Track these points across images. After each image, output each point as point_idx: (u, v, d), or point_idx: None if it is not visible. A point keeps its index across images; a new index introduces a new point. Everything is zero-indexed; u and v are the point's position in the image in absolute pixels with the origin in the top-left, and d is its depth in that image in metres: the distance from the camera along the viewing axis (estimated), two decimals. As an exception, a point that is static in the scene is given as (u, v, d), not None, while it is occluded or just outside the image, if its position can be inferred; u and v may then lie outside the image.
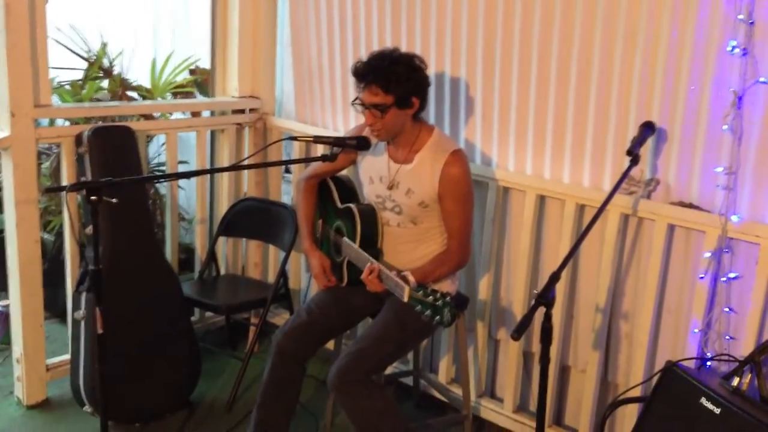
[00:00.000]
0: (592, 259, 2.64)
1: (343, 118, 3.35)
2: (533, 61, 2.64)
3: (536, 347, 2.80)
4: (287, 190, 3.67)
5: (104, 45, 3.86)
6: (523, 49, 2.66)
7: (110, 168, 2.90)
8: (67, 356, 3.04)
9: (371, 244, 2.53)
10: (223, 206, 3.56)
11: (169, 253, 3.39)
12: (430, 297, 2.07)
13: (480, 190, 2.84)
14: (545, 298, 1.91)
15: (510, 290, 2.87)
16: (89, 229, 2.77)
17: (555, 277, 1.94)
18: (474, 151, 2.89)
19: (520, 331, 1.85)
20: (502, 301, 2.91)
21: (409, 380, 3.11)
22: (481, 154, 2.88)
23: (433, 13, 2.88)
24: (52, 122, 3.54)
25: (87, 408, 2.87)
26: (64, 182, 2.99)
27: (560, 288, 2.62)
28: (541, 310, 1.93)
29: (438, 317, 2.06)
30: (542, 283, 2.71)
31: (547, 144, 2.69)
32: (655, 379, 2.16)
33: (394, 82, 2.34)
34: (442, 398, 3.04)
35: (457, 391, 2.95)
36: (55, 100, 3.46)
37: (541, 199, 2.73)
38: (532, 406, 2.92)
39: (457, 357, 3.04)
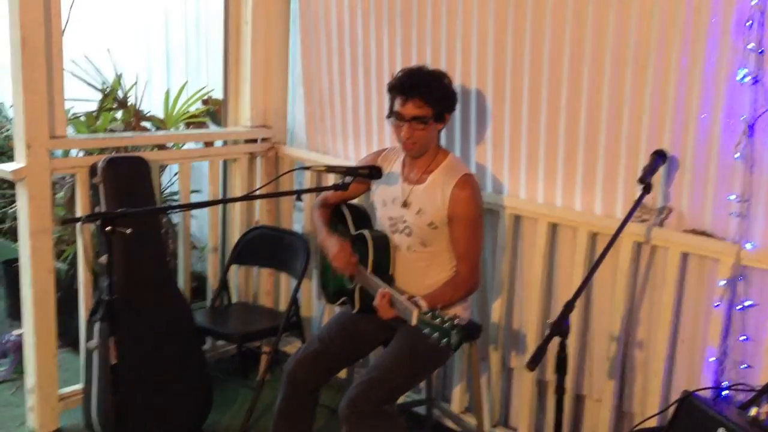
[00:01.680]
0: (606, 287, 2.63)
1: (354, 146, 3.37)
2: (543, 90, 2.67)
3: (550, 376, 2.78)
4: (298, 219, 3.69)
5: (119, 76, 3.91)
6: (533, 78, 2.68)
7: (124, 197, 2.92)
8: (80, 385, 3.04)
9: (383, 270, 2.53)
10: (235, 235, 3.58)
11: (182, 281, 3.40)
12: (438, 319, 2.07)
13: (492, 217, 2.85)
14: (560, 327, 1.90)
15: (523, 318, 2.86)
16: (103, 259, 2.80)
17: (569, 307, 1.93)
18: (485, 178, 2.90)
19: (535, 361, 1.84)
20: (515, 329, 2.90)
21: (421, 409, 3.08)
22: (493, 181, 2.89)
23: (442, 41, 2.91)
24: (66, 152, 3.58)
25: (99, 438, 2.87)
26: (79, 212, 3.01)
27: (574, 316, 2.59)
28: (556, 339, 1.92)
29: (445, 339, 2.04)
30: (555, 311, 2.73)
31: (558, 172, 2.69)
32: (671, 409, 2.14)
33: (436, 95, 2.41)
34: (456, 427, 3.02)
35: (470, 420, 2.92)
36: (69, 131, 3.49)
37: (553, 227, 2.73)
38: (547, 435, 2.90)
39: (470, 385, 3.02)
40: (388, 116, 2.49)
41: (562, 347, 1.94)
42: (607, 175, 2.58)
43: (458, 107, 2.90)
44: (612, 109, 2.52)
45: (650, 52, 2.40)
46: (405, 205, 2.52)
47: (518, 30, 2.68)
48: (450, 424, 3.04)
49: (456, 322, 2.05)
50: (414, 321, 2.12)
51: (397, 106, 2.44)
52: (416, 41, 3.00)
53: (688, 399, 2.08)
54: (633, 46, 2.43)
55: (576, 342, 2.67)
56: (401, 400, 2.89)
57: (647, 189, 2.32)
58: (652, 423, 2.39)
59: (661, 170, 2.42)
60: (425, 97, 2.40)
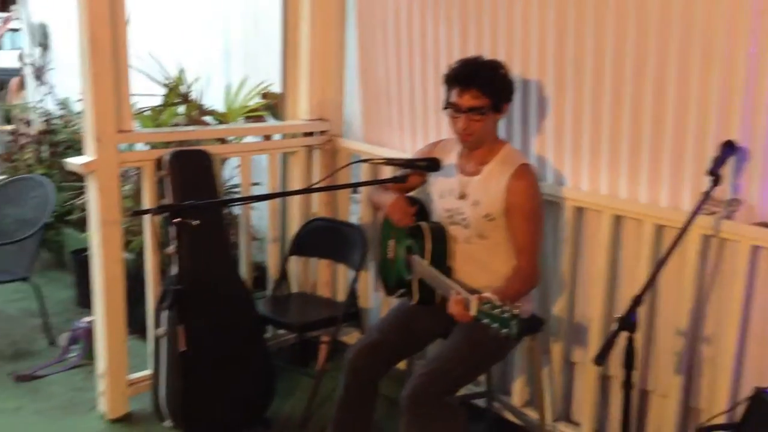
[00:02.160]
0: (673, 280, 2.57)
1: (411, 138, 3.37)
2: (607, 77, 2.61)
3: (614, 371, 2.74)
4: (355, 210, 3.72)
5: (182, 72, 3.99)
6: (596, 66, 2.63)
7: (189, 190, 2.99)
8: (147, 371, 3.13)
9: (441, 261, 2.53)
10: (294, 226, 3.63)
11: (244, 271, 3.47)
12: (497, 310, 2.06)
13: (553, 209, 2.81)
14: (628, 322, 1.87)
15: (586, 312, 2.82)
16: (170, 249, 2.88)
17: (637, 301, 1.90)
18: (546, 169, 2.87)
19: (602, 356, 1.82)
20: (577, 322, 2.86)
21: (481, 402, 3.08)
22: (554, 172, 2.86)
23: (501, 32, 2.88)
24: (131, 146, 3.68)
25: (167, 423, 2.95)
26: (145, 204, 3.10)
27: (640, 311, 2.55)
28: (623, 334, 1.90)
29: (506, 330, 2.03)
30: (619, 305, 2.69)
31: (622, 162, 2.64)
32: (741, 406, 2.09)
33: (495, 85, 2.39)
34: (516, 421, 3.00)
35: (531, 414, 2.91)
36: (135, 125, 3.59)
37: (617, 220, 2.68)
38: (610, 430, 2.86)
39: (531, 379, 3.01)
40: (445, 107, 2.48)
41: (630, 342, 1.91)
42: (674, 166, 2.52)
43: (518, 97, 2.88)
44: (679, 98, 2.46)
45: (717, 39, 2.32)
46: (461, 197, 2.51)
47: (580, 17, 2.64)
48: (510, 417, 3.03)
49: (516, 312, 2.04)
50: (473, 311, 2.11)
51: (453, 97, 2.42)
52: (474, 31, 2.98)
53: (759, 396, 2.04)
54: (699, 34, 2.36)
55: (642, 336, 2.62)
56: (461, 392, 2.88)
57: (716, 181, 2.26)
58: (720, 420, 2.34)
59: (731, 161, 2.35)
60: (482, 87, 2.37)
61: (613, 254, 2.71)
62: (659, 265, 2.07)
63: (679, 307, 2.53)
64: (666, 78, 2.47)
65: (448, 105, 2.44)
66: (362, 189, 3.53)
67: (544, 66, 2.78)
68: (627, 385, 1.94)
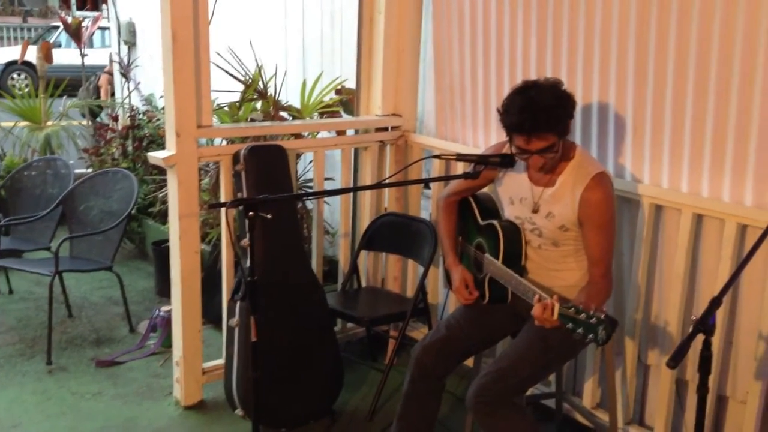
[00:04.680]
0: (755, 282, 2.46)
1: (484, 135, 3.34)
2: (690, 72, 2.52)
3: (690, 375, 2.65)
4: (426, 206, 3.71)
5: (260, 68, 4.08)
6: (679, 60, 2.54)
7: (264, 184, 3.06)
8: (221, 361, 3.22)
9: (515, 262, 2.49)
10: (365, 221, 3.66)
11: (315, 265, 3.52)
12: (583, 314, 2.01)
13: (630, 207, 2.74)
14: (705, 324, 1.80)
15: (662, 313, 2.73)
16: (245, 242, 2.95)
17: (716, 303, 1.82)
18: (624, 166, 2.79)
19: (676, 359, 1.75)
20: (653, 324, 2.77)
21: (550, 402, 3.03)
22: (632, 169, 2.78)
23: (580, 27, 2.82)
24: (210, 141, 3.79)
25: (239, 411, 3.02)
26: (222, 197, 3.19)
27: (719, 313, 2.46)
28: (700, 337, 1.82)
29: (591, 335, 1.98)
30: (698, 307, 2.59)
31: (705, 159, 2.54)
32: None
33: (559, 122, 2.31)
34: (587, 423, 2.94)
35: (602, 416, 2.84)
36: (214, 120, 3.70)
37: (698, 218, 2.58)
38: (685, 437, 2.76)
39: (602, 380, 2.93)
40: (516, 154, 2.36)
41: (707, 345, 1.84)
42: (760, 165, 2.41)
43: (595, 93, 2.82)
44: (765, 94, 2.35)
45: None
46: (535, 210, 2.47)
47: (663, 10, 2.55)
48: (580, 419, 2.96)
49: (602, 316, 1.98)
50: (555, 315, 2.07)
51: (519, 143, 2.33)
52: (552, 28, 2.92)
53: None
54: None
55: (720, 339, 2.52)
56: (529, 392, 2.85)
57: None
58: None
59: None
60: (547, 131, 2.28)
61: (693, 254, 2.61)
62: (741, 265, 1.97)
63: (762, 310, 2.42)
64: (753, 70, 2.36)
65: (517, 149, 2.36)
66: (433, 185, 3.52)
67: (624, 60, 2.70)
68: (702, 389, 1.86)
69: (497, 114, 2.41)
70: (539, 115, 2.27)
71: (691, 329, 1.83)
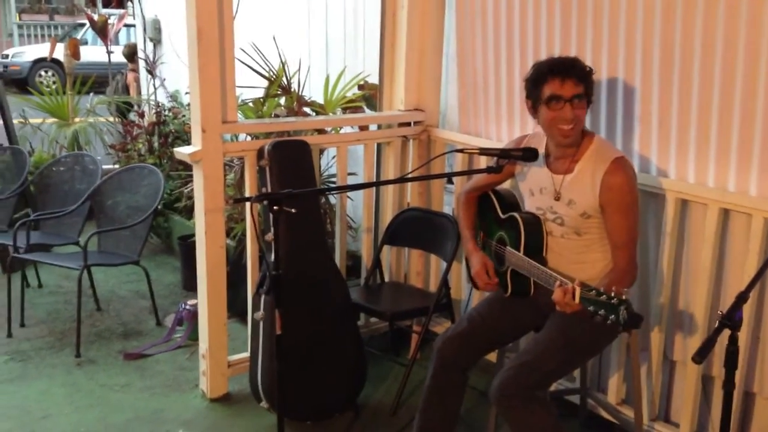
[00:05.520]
0: (783, 278, 2.43)
1: (507, 129, 3.33)
2: (716, 63, 2.48)
3: (717, 371, 2.62)
4: (449, 201, 3.71)
5: (283, 64, 4.10)
6: (706, 51, 2.51)
7: (288, 179, 3.08)
8: (246, 354, 3.26)
9: (536, 253, 2.49)
10: (387, 216, 3.67)
11: (338, 259, 3.54)
12: (603, 296, 2.00)
13: (655, 201, 2.71)
14: (731, 320, 1.78)
15: (688, 309, 2.71)
16: (269, 236, 2.98)
17: (742, 298, 1.81)
18: (649, 161, 2.77)
19: (702, 354, 1.74)
20: (679, 319, 2.75)
21: (575, 398, 3.02)
22: (657, 164, 2.75)
23: (605, 23, 2.80)
24: (235, 136, 3.82)
25: (263, 404, 3.06)
26: (247, 192, 3.22)
27: (746, 308, 2.43)
28: (726, 332, 1.81)
29: (613, 316, 1.97)
30: (725, 303, 2.57)
31: (732, 154, 2.51)
32: None
33: (588, 75, 2.39)
34: (611, 419, 2.92)
35: (627, 412, 2.82)
36: (239, 116, 3.73)
37: (725, 213, 2.55)
38: (711, 433, 2.74)
39: (627, 376, 2.92)
40: (546, 102, 2.36)
41: (733, 340, 1.82)
42: (788, 159, 2.38)
43: (620, 88, 2.80)
44: (795, 85, 2.32)
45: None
46: (556, 197, 2.46)
47: (689, 7, 2.52)
48: (605, 414, 2.95)
49: (624, 297, 1.97)
50: (576, 299, 2.07)
51: (553, 90, 2.35)
52: (576, 22, 2.90)
53: None
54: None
55: (747, 335, 2.49)
56: (553, 387, 2.85)
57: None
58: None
59: None
60: (579, 76, 2.35)
61: (719, 249, 2.59)
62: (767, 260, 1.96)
63: (791, 307, 2.39)
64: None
65: (550, 98, 2.36)
66: (456, 180, 3.52)
67: (649, 56, 2.68)
68: (728, 385, 1.85)
69: (523, 88, 2.44)
70: (575, 61, 2.40)
71: (717, 324, 1.81)
